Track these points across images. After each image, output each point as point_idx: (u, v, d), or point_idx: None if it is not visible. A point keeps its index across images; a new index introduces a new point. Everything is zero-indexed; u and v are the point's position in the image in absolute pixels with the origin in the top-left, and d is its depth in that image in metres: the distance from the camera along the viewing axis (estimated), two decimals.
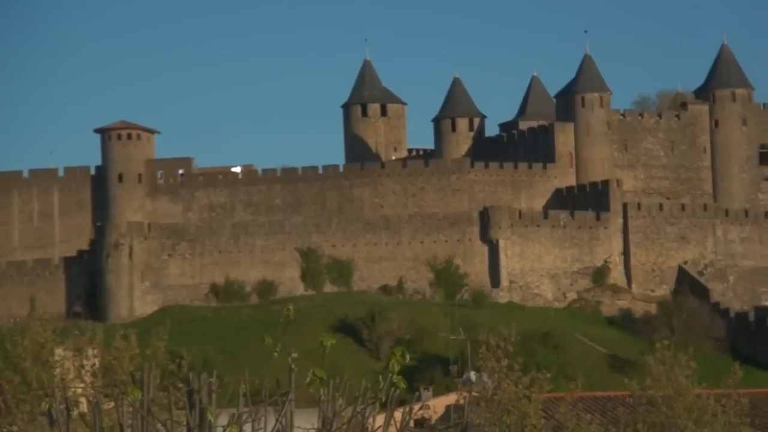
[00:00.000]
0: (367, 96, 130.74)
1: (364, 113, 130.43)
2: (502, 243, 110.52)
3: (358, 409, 10.35)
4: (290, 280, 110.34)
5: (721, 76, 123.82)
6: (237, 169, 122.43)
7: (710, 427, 26.44)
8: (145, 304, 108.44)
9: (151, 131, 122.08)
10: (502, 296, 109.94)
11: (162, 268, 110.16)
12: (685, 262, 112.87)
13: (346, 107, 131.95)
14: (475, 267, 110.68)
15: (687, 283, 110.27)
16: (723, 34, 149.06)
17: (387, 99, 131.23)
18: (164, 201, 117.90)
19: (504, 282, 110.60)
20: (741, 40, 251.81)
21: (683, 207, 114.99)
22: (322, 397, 10.29)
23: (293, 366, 10.35)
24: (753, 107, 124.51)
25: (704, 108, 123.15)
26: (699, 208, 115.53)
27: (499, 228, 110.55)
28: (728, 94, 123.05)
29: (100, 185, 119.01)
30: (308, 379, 10.14)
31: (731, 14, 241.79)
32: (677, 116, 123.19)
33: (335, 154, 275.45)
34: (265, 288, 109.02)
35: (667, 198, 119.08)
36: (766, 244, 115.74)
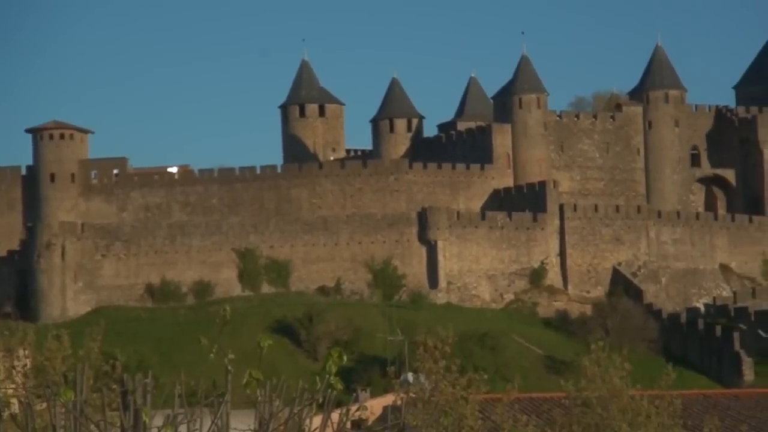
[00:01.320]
0: (305, 96, 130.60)
1: (302, 114, 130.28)
2: (440, 244, 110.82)
3: (295, 411, 10.30)
4: (227, 281, 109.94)
5: (655, 78, 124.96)
6: (173, 170, 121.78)
7: (644, 428, 26.64)
8: (78, 305, 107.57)
9: (85, 131, 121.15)
10: (440, 297, 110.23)
11: (96, 268, 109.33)
12: (620, 264, 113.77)
13: (284, 108, 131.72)
14: (413, 268, 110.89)
15: (621, 285, 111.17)
16: (657, 35, 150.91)
17: (325, 99, 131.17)
18: (98, 201, 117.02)
19: (442, 283, 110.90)
20: (674, 41, 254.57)
21: (618, 208, 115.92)
22: (259, 398, 10.24)
23: (230, 367, 10.27)
24: (685, 108, 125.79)
25: (638, 109, 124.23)
26: (633, 209, 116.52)
27: (437, 229, 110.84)
28: (661, 96, 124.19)
29: (32, 185, 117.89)
30: (245, 380, 10.07)
31: (665, 16, 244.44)
32: (612, 117, 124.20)
33: (273, 155, 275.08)
34: (202, 289, 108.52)
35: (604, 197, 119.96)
36: (697, 246, 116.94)
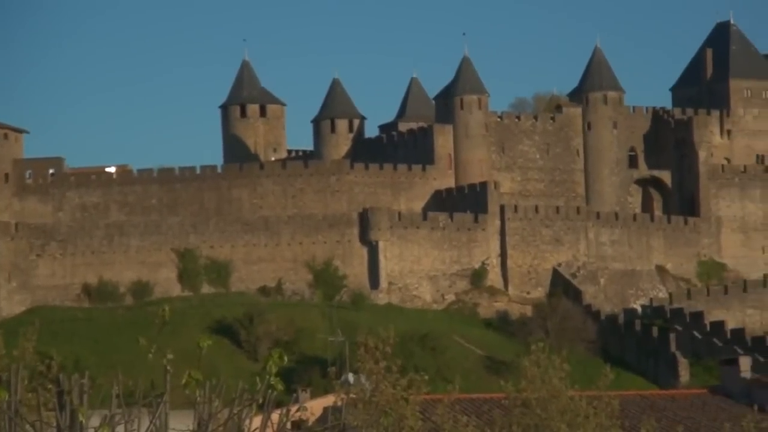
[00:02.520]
0: (246, 97, 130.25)
1: (243, 114, 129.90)
2: (381, 244, 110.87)
3: (235, 411, 10.22)
4: (166, 281, 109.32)
5: (594, 79, 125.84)
6: (111, 170, 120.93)
7: (582, 429, 26.74)
8: (12, 305, 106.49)
9: (20, 131, 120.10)
10: (381, 298, 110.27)
11: (30, 268, 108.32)
12: (559, 264, 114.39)
13: (225, 108, 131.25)
14: (354, 268, 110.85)
15: (561, 285, 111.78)
16: (596, 37, 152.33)
17: (266, 100, 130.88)
18: (33, 201, 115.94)
19: (383, 283, 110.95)
20: (613, 43, 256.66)
21: (557, 209, 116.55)
22: (198, 399, 10.15)
23: (169, 367, 10.17)
24: (623, 110, 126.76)
25: (577, 111, 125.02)
26: (572, 210, 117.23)
27: (378, 229, 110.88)
28: (600, 97, 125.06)
29: None
30: (184, 380, 9.98)
31: (604, 18, 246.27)
32: (552, 119, 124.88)
33: (213, 155, 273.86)
34: (140, 289, 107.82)
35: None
36: (634, 247, 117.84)
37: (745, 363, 37.55)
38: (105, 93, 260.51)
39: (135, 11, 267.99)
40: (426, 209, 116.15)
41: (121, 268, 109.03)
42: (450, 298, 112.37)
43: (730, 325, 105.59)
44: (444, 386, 29.23)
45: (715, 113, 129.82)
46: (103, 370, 64.68)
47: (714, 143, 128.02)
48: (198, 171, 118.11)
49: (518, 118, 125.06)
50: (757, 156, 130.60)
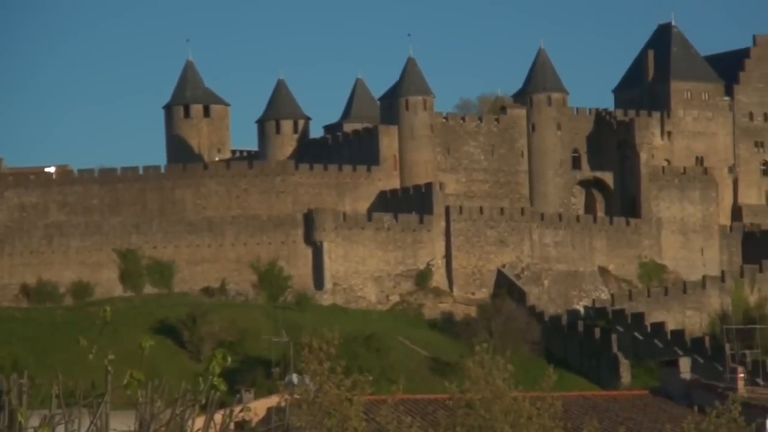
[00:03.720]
0: (189, 97, 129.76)
1: (187, 114, 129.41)
2: (326, 245, 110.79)
3: (177, 412, 10.15)
4: (108, 282, 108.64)
5: (538, 81, 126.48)
6: (51, 170, 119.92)
7: (526, 430, 26.83)
8: None
9: None
10: (325, 299, 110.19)
11: None
12: (504, 266, 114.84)
13: (168, 108, 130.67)
14: (299, 269, 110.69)
15: (505, 287, 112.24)
16: (540, 38, 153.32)
17: (210, 100, 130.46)
18: None
19: (328, 284, 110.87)
20: (557, 44, 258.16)
21: (502, 211, 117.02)
22: (140, 399, 10.07)
23: (110, 367, 10.08)
24: (567, 111, 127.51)
25: (522, 112, 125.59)
26: (517, 211, 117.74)
27: (323, 230, 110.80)
28: (544, 98, 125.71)
29: None
30: (125, 380, 9.89)
31: (548, 19, 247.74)
32: (497, 120, 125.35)
33: (157, 155, 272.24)
34: (81, 289, 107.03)
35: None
36: (578, 248, 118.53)
37: (684, 364, 37.87)
38: (44, 92, 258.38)
39: (77, 10, 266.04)
40: (371, 210, 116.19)
41: (61, 268, 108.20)
42: (395, 299, 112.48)
43: (671, 326, 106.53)
44: (388, 387, 29.22)
45: (656, 115, 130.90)
46: (43, 370, 64.10)
47: (655, 145, 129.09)
48: (141, 171, 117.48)
49: (463, 119, 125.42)
50: (697, 157, 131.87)
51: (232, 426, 10.63)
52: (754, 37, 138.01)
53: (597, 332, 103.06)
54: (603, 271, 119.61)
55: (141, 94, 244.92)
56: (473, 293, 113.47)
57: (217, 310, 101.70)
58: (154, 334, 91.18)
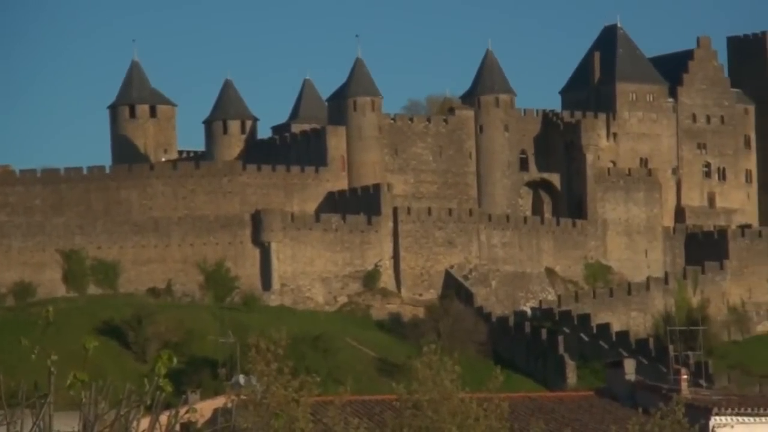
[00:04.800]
0: (135, 97, 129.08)
1: (132, 114, 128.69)
2: (274, 246, 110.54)
3: (122, 412, 10.04)
4: (50, 282, 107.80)
5: (486, 82, 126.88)
6: None
7: (473, 431, 26.88)
8: None
9: None
10: (273, 299, 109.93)
11: None
12: (452, 267, 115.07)
13: (113, 108, 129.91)
14: (246, 270, 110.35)
15: (453, 288, 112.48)
16: (488, 40, 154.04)
17: (156, 100, 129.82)
18: None
19: (275, 285, 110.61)
20: (504, 46, 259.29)
21: (450, 212, 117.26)
22: (84, 400, 9.96)
23: (53, 368, 9.96)
24: (514, 113, 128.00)
25: (470, 113, 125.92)
26: (465, 212, 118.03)
27: (271, 231, 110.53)
28: (492, 100, 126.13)
29: None
30: (69, 381, 9.78)
31: (495, 20, 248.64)
32: (445, 121, 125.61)
33: (102, 156, 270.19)
34: (23, 290, 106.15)
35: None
36: (525, 249, 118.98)
37: (629, 365, 38.10)
38: None
39: (22, 7, 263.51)
40: (319, 211, 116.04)
41: (2, 269, 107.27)
42: (342, 299, 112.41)
43: (616, 327, 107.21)
44: (336, 388, 29.16)
45: (602, 116, 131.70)
46: None
47: (601, 146, 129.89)
48: (85, 172, 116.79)
49: (411, 120, 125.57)
50: (641, 159, 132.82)
51: (177, 427, 10.54)
52: (697, 38, 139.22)
53: (544, 333, 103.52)
54: (550, 272, 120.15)
55: (85, 94, 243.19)
56: (421, 294, 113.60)
57: (163, 310, 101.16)
58: (99, 334, 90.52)
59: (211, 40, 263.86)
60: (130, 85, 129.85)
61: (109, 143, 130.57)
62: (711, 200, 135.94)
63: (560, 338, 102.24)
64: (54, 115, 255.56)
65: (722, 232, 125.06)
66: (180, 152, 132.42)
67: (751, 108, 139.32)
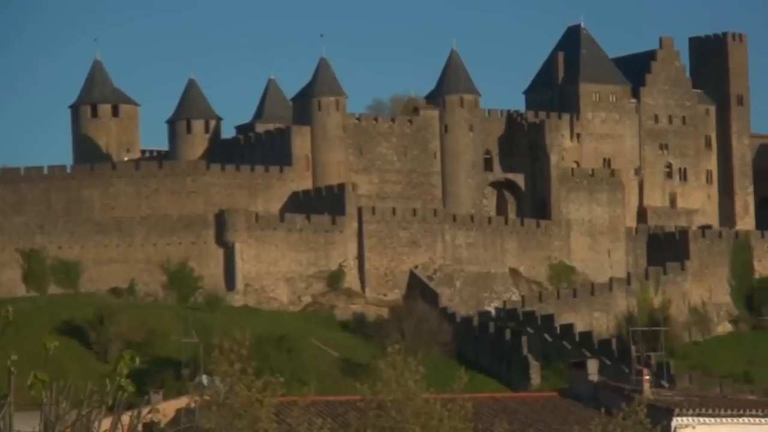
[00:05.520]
0: (97, 96, 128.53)
1: (95, 114, 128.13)
2: (238, 246, 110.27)
3: (83, 413, 9.95)
4: (10, 282, 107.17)
5: (450, 82, 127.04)
6: None
7: (436, 431, 26.87)
8: None
9: None
10: (237, 300, 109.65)
11: None
12: (416, 267, 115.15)
13: (75, 107, 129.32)
14: (210, 270, 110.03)
15: (418, 288, 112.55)
16: (452, 40, 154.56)
17: (119, 99, 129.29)
18: None
19: (239, 285, 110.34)
20: (469, 45, 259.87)
21: (415, 212, 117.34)
22: (45, 400, 9.86)
23: (13, 368, 9.86)
24: (479, 113, 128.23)
25: (435, 113, 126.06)
26: (429, 213, 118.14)
27: (235, 231, 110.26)
28: (457, 100, 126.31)
29: None
30: (29, 381, 9.68)
31: (460, 20, 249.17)
32: (410, 121, 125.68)
33: (63, 155, 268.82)
34: None
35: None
36: (489, 250, 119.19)
37: (592, 366, 38.23)
38: None
39: None
40: (283, 211, 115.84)
41: None
42: (307, 300, 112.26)
43: (579, 328, 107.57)
44: (300, 388, 29.11)
45: (566, 117, 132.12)
46: None
47: (565, 147, 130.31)
48: (45, 171, 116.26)
49: (376, 120, 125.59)
50: (605, 159, 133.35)
51: (140, 427, 10.46)
52: (660, 39, 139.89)
53: (508, 334, 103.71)
54: (514, 272, 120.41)
55: (47, 93, 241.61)
56: (385, 294, 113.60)
57: (125, 310, 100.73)
58: (60, 334, 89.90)
59: (174, 39, 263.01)
60: (93, 84, 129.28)
61: (70, 143, 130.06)
62: (672, 201, 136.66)
63: (524, 339, 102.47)
64: (15, 115, 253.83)
65: (683, 233, 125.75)
66: (143, 152, 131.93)
67: (712, 108, 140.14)
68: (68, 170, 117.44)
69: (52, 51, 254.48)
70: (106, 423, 10.22)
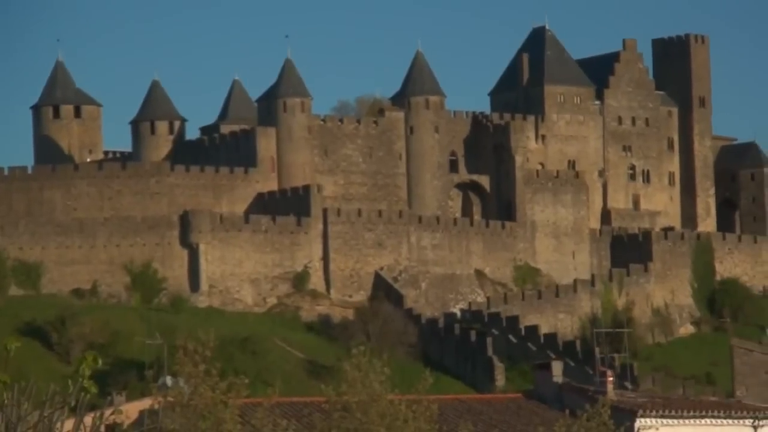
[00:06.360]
0: (59, 97, 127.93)
1: (57, 115, 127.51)
2: (202, 247, 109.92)
3: (46, 414, 9.86)
4: None
5: (416, 84, 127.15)
6: None
7: None
8: None
9: None
10: (201, 301, 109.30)
11: None
12: (382, 268, 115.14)
13: (37, 108, 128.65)
14: (174, 271, 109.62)
15: (383, 289, 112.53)
16: (417, 41, 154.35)
17: (81, 100, 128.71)
18: None
19: (204, 287, 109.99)
20: (434, 47, 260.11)
21: (380, 213, 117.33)
22: (6, 401, 9.77)
23: None
24: (444, 114, 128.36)
25: (400, 115, 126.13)
26: (395, 214, 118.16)
27: (199, 232, 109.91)
28: (422, 101, 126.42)
29: None
30: None
31: (425, 21, 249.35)
32: (375, 123, 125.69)
33: (24, 156, 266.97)
34: None
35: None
36: (455, 251, 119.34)
37: (557, 368, 38.33)
38: None
39: None
40: (248, 212, 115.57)
41: None
42: (272, 301, 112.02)
43: (544, 329, 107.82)
44: (264, 390, 29.00)
45: (531, 118, 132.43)
46: None
47: (530, 148, 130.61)
48: (6, 172, 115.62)
49: (341, 121, 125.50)
50: (569, 161, 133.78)
51: (102, 429, 10.37)
52: (623, 41, 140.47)
53: (473, 335, 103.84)
54: (479, 274, 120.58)
55: (8, 94, 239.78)
56: (351, 296, 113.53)
57: (88, 311, 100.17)
58: (21, 336, 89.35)
59: (137, 39, 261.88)
60: (55, 85, 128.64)
61: (31, 144, 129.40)
62: (636, 202, 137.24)
63: (489, 340, 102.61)
64: None
65: (646, 235, 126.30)
66: (106, 153, 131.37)
67: (675, 110, 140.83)
68: (29, 171, 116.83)
69: (14, 51, 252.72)
70: (69, 424, 10.13)
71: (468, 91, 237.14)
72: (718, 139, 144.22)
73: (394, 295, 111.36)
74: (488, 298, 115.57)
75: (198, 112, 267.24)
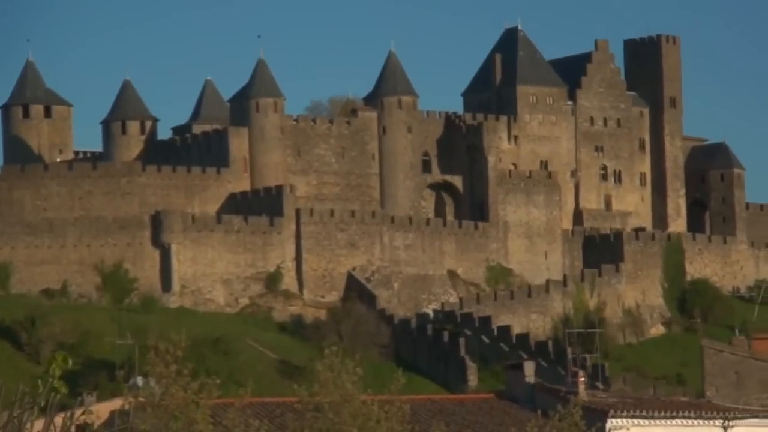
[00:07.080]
0: (29, 97, 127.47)
1: (26, 115, 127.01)
2: (174, 247, 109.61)
3: (15, 414, 9.77)
4: None
5: (389, 84, 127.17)
6: None
7: None
8: None
9: None
10: (173, 301, 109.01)
11: None
12: (354, 269, 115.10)
13: (6, 108, 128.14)
14: (145, 271, 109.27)
15: (355, 290, 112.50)
16: (390, 41, 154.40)
17: (51, 100, 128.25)
18: None
19: (175, 287, 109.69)
20: (407, 47, 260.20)
21: (353, 213, 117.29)
22: None
23: None
24: (417, 115, 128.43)
25: (373, 115, 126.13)
26: (367, 214, 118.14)
27: (171, 232, 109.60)
28: (395, 102, 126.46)
29: None
30: None
31: (398, 22, 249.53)
32: (348, 123, 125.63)
33: None
34: None
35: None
36: (428, 252, 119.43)
37: (529, 368, 38.39)
38: None
39: None
40: (220, 212, 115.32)
41: None
42: (244, 301, 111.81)
43: (516, 330, 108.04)
44: (236, 390, 28.92)
45: (504, 119, 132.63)
46: None
47: (502, 149, 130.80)
48: None
49: (314, 121, 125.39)
50: (542, 162, 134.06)
51: (73, 429, 10.30)
52: (595, 41, 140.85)
53: (445, 336, 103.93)
54: (452, 274, 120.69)
55: None
56: (323, 296, 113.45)
57: (58, 312, 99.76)
58: None
59: (108, 39, 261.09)
60: (24, 84, 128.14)
61: (0, 144, 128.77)
62: (607, 203, 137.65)
63: (461, 340, 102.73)
64: None
65: (618, 235, 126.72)
66: (76, 153, 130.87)
67: (646, 111, 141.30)
68: None
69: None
70: (39, 424, 10.05)
71: (441, 91, 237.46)
72: (689, 139, 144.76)
73: (367, 295, 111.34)
74: (461, 299, 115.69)
75: (170, 112, 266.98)
